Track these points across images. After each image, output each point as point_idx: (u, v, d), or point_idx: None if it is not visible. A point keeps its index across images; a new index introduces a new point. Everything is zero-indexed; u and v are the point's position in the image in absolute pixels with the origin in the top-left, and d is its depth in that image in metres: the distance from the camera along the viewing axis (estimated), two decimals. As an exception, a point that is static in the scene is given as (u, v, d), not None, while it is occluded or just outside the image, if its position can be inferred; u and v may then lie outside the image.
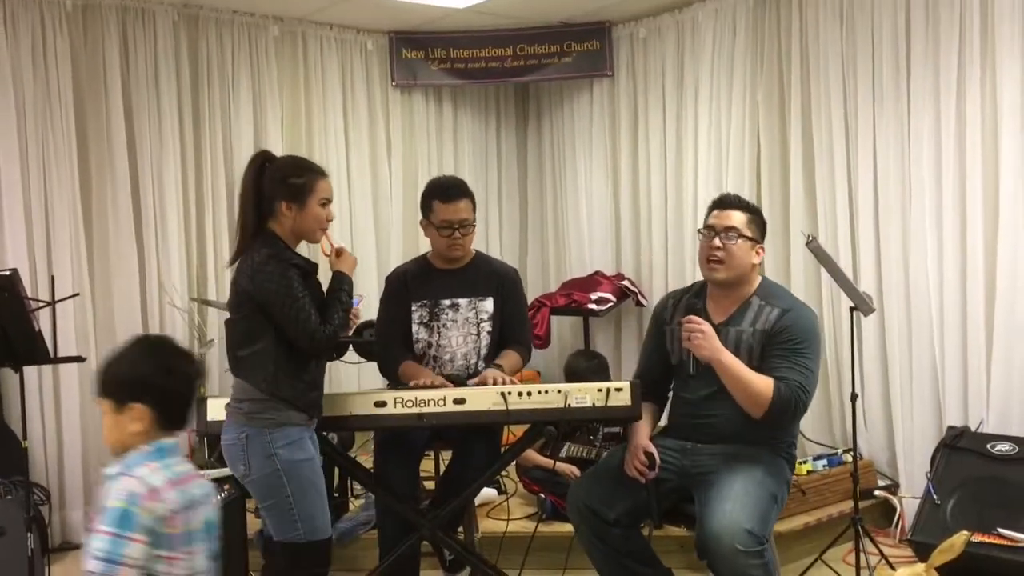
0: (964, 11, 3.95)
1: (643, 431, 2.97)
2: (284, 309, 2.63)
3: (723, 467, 2.82)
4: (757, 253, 2.97)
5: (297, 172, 2.77)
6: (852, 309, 3.54)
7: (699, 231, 3.04)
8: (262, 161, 2.80)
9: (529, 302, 5.47)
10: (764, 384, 2.78)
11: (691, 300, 3.07)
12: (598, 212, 5.88)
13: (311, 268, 2.79)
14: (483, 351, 3.35)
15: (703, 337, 2.82)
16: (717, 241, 2.92)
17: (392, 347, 3.37)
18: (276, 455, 2.60)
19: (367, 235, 5.60)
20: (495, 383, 3.01)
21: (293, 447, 2.62)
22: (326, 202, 2.79)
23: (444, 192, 3.32)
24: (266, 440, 2.61)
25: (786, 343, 2.83)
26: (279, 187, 2.73)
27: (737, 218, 2.94)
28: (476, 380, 3.13)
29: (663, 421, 3.22)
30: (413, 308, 3.36)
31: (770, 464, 2.85)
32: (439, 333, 3.34)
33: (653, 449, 2.92)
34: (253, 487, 2.69)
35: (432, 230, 3.33)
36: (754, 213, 3.00)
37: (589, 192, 5.92)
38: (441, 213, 3.29)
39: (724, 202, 3.01)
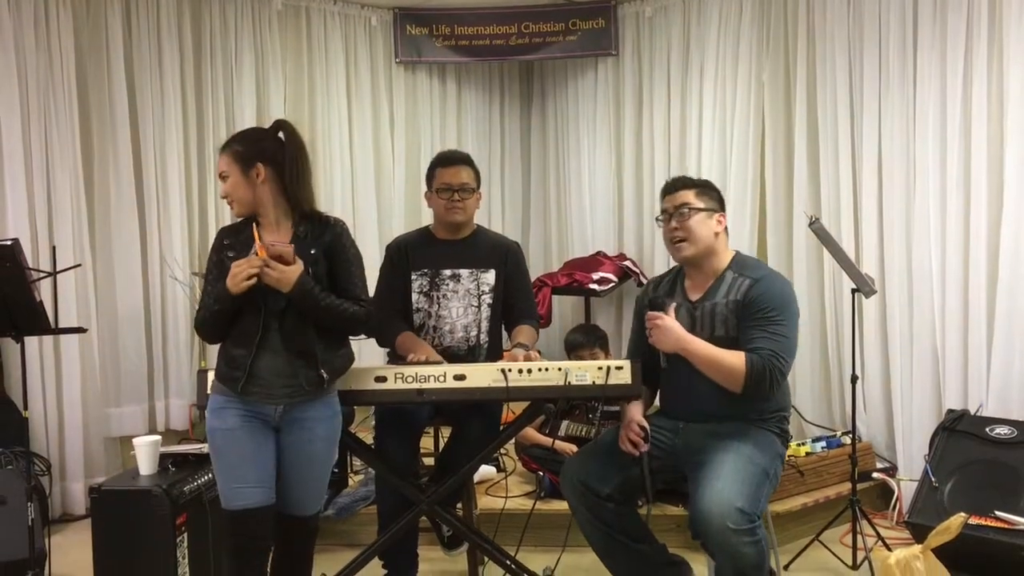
0: (972, -9, 3.93)
1: (637, 407, 3.00)
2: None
3: (713, 445, 2.83)
4: (718, 222, 3.00)
5: (263, 132, 2.82)
6: (854, 291, 3.54)
7: (656, 219, 3.10)
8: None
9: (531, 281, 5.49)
10: (735, 359, 2.80)
11: (670, 284, 3.10)
12: (601, 192, 5.87)
13: (230, 236, 2.74)
14: (484, 323, 3.36)
15: (661, 330, 2.85)
16: (673, 222, 2.98)
17: (391, 317, 3.37)
18: (207, 418, 2.69)
19: (369, 211, 5.60)
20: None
21: (212, 414, 2.67)
22: (221, 176, 2.76)
23: (446, 159, 3.43)
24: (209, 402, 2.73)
25: (758, 312, 2.85)
26: (247, 151, 2.75)
27: (686, 195, 2.99)
28: (505, 357, 3.13)
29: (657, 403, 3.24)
30: (413, 277, 3.38)
31: (760, 440, 2.86)
32: (439, 303, 3.36)
33: (645, 423, 2.94)
34: None
35: (434, 197, 3.39)
36: (702, 186, 3.04)
37: (592, 172, 5.91)
38: (441, 177, 3.37)
39: (670, 187, 3.07)
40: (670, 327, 2.86)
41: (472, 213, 3.42)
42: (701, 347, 2.85)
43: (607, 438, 3.10)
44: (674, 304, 2.95)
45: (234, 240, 2.71)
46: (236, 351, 2.65)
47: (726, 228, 3.04)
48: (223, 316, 2.64)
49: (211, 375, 2.77)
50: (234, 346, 2.66)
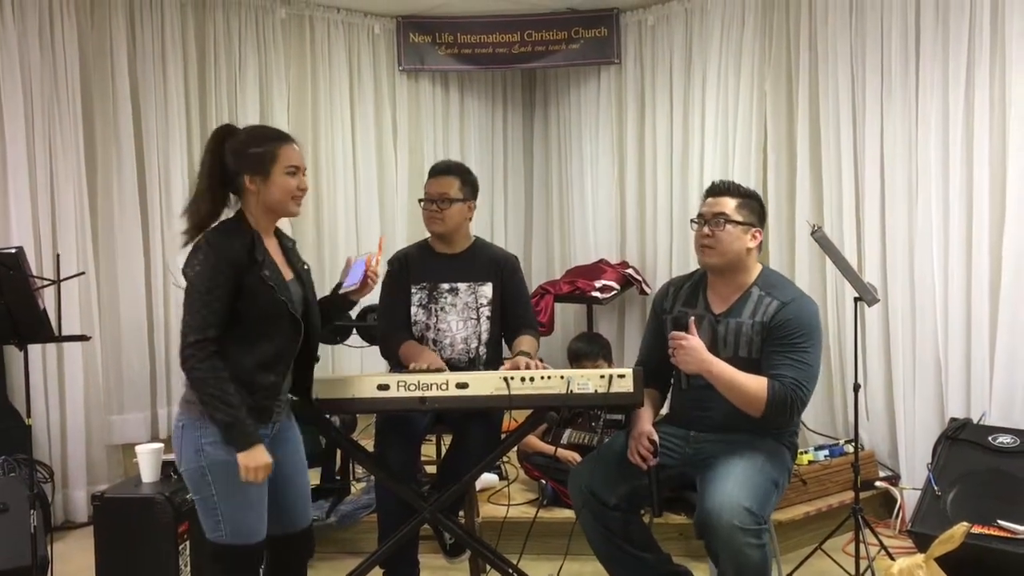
0: (975, 0, 3.93)
1: (646, 417, 2.97)
2: (189, 295, 2.41)
3: (725, 451, 2.82)
4: (753, 237, 2.93)
5: (257, 141, 2.52)
6: (856, 299, 3.53)
7: (692, 221, 3.04)
8: (222, 137, 2.54)
9: (533, 289, 5.50)
10: (758, 385, 2.76)
11: (691, 290, 3.05)
12: (603, 200, 5.88)
13: (248, 258, 2.46)
14: (483, 336, 3.37)
15: (686, 351, 2.81)
16: (707, 228, 2.92)
17: (394, 329, 3.38)
18: (203, 451, 2.41)
19: (372, 219, 5.61)
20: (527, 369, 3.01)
21: (221, 446, 2.39)
22: (294, 170, 2.52)
23: (432, 170, 3.49)
24: (196, 434, 2.42)
25: (784, 338, 2.81)
26: (240, 160, 2.49)
27: (726, 204, 2.93)
28: (507, 365, 3.14)
29: (665, 409, 3.23)
30: (413, 291, 3.39)
31: (772, 452, 2.86)
32: (437, 316, 3.37)
33: (656, 436, 2.92)
34: (184, 478, 2.51)
35: (421, 205, 3.45)
36: (746, 197, 2.97)
37: (595, 180, 5.92)
38: (426, 187, 3.44)
39: (714, 190, 3.00)
40: (695, 348, 2.80)
41: (455, 224, 3.38)
42: (725, 370, 2.79)
43: (614, 446, 3.07)
44: (694, 318, 2.89)
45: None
46: (267, 378, 2.46)
47: (760, 244, 2.97)
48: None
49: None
50: (262, 371, 2.46)
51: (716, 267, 2.94)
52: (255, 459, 2.39)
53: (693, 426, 2.98)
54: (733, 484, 2.68)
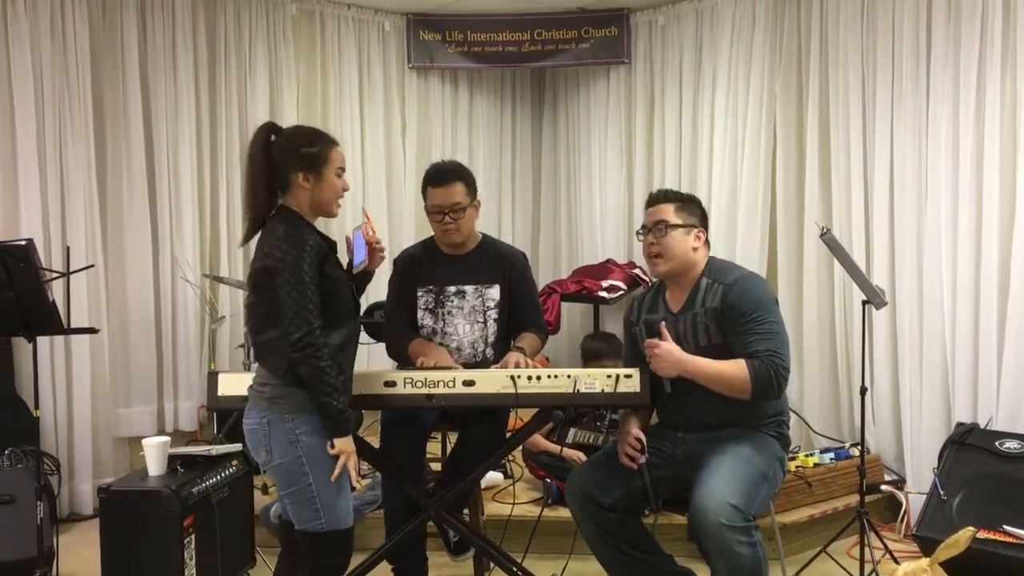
0: (986, 3, 3.92)
1: (633, 421, 3.02)
2: (287, 289, 2.46)
3: (712, 449, 2.84)
4: (696, 237, 3.00)
5: (310, 141, 2.61)
6: (864, 302, 3.52)
7: (636, 233, 3.11)
8: (268, 133, 2.63)
9: (540, 288, 5.49)
10: (738, 369, 2.78)
11: (652, 299, 3.11)
12: (611, 200, 5.87)
13: (331, 247, 2.64)
14: (491, 338, 3.33)
15: (660, 357, 2.83)
16: (651, 237, 2.99)
17: (400, 330, 3.37)
18: (299, 441, 2.49)
19: (380, 216, 5.61)
20: (518, 367, 3.01)
21: (316, 433, 2.50)
22: (341, 171, 2.66)
23: (434, 178, 3.29)
24: (288, 426, 2.50)
25: (741, 316, 2.84)
26: (293, 158, 2.58)
27: (665, 211, 3.00)
28: (500, 364, 3.13)
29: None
30: (419, 293, 3.34)
31: (758, 442, 2.86)
32: (444, 320, 3.33)
33: (642, 435, 2.95)
34: (275, 474, 2.58)
35: (429, 218, 3.31)
36: (683, 200, 3.04)
37: (603, 179, 5.91)
38: (432, 199, 3.27)
39: (651, 199, 3.08)
40: (669, 351, 2.83)
41: (469, 229, 3.31)
42: (703, 365, 2.83)
43: (609, 450, 3.11)
44: (664, 322, 2.92)
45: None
46: (348, 363, 2.61)
47: (707, 241, 3.04)
48: None
49: (248, 386, 2.63)
50: (345, 357, 2.59)
51: (668, 274, 3.01)
52: (351, 444, 2.55)
53: (680, 427, 3.00)
54: (718, 481, 2.69)
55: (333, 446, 2.52)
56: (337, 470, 2.52)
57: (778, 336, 2.84)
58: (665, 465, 2.98)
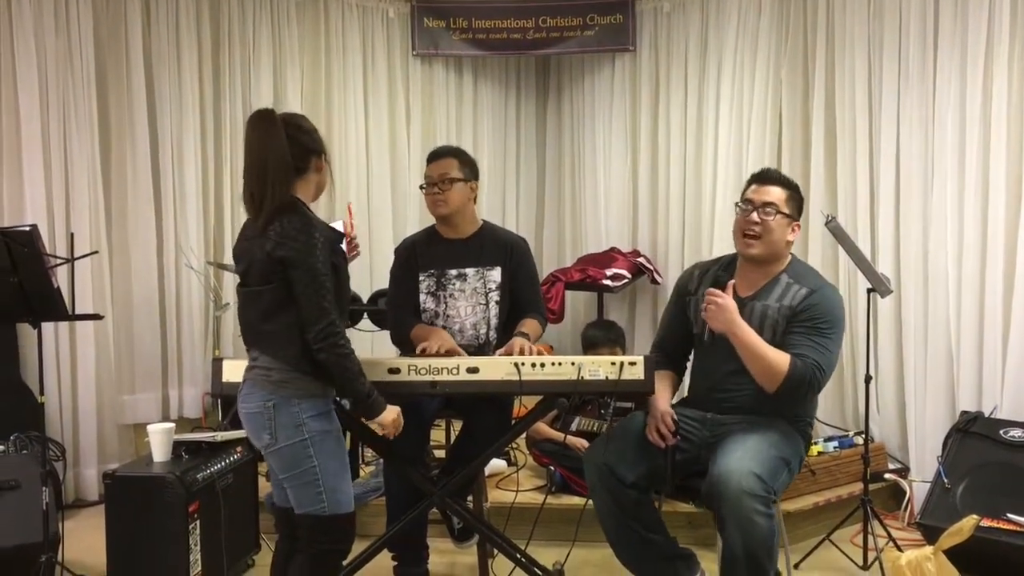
0: (994, -9, 3.90)
1: (664, 397, 2.99)
2: (306, 280, 2.46)
3: (740, 428, 2.85)
4: (793, 230, 2.96)
5: (312, 125, 2.65)
6: (869, 290, 3.52)
7: (736, 204, 3.02)
8: (278, 118, 2.57)
9: (544, 276, 5.50)
10: (780, 358, 2.78)
11: (718, 273, 3.06)
12: (616, 188, 5.86)
13: (337, 238, 2.64)
14: (493, 320, 3.36)
15: (720, 308, 2.81)
16: (755, 215, 2.90)
17: (404, 317, 3.38)
18: (305, 424, 2.51)
19: (384, 204, 5.62)
20: (522, 352, 3.02)
21: (322, 418, 2.54)
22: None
23: (431, 154, 3.44)
24: (295, 410, 2.51)
25: (809, 321, 2.83)
26: (315, 142, 2.62)
27: (776, 193, 2.93)
28: (503, 349, 3.13)
29: (684, 392, 3.24)
30: (421, 278, 3.37)
31: (786, 433, 2.87)
32: (446, 303, 3.35)
33: (674, 415, 2.94)
34: (278, 457, 2.56)
35: (424, 193, 3.40)
36: (793, 189, 2.98)
37: (607, 168, 5.90)
38: (426, 172, 3.39)
39: (764, 176, 2.99)
40: (728, 307, 2.81)
41: (458, 204, 3.34)
42: (750, 335, 2.81)
43: (632, 425, 3.05)
44: (732, 282, 2.91)
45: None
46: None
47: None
48: None
49: (246, 369, 2.62)
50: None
51: (756, 257, 2.94)
52: (393, 412, 2.66)
53: (712, 408, 2.98)
54: (744, 453, 2.70)
55: (376, 424, 2.64)
56: (390, 437, 2.69)
57: (830, 355, 2.84)
58: (690, 447, 2.97)
